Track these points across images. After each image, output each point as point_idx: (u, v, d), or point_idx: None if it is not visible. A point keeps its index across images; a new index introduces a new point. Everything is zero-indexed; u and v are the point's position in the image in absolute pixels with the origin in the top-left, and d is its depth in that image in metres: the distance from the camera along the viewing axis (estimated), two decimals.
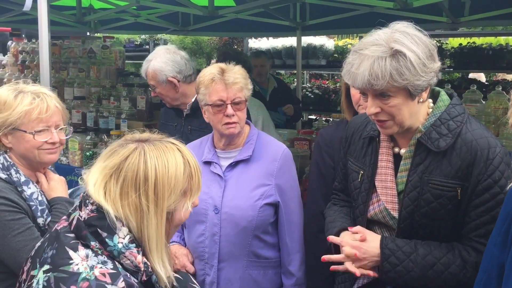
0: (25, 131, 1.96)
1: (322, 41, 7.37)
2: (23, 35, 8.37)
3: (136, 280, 1.32)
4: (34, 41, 5.69)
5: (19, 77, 5.13)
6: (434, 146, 1.76)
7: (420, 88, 1.71)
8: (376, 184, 1.91)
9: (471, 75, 7.67)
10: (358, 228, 1.90)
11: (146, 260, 1.34)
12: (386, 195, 1.87)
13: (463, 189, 1.74)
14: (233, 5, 5.36)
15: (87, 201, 1.36)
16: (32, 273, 1.34)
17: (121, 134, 4.17)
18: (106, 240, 1.30)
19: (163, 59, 2.98)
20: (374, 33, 1.74)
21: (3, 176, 1.97)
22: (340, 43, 7.97)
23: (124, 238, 1.31)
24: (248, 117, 2.44)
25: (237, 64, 2.34)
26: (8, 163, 1.99)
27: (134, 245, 1.33)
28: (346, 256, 1.85)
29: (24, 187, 1.98)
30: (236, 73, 2.26)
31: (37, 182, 2.10)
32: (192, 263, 2.33)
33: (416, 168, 1.80)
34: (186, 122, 3.08)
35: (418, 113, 1.80)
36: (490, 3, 4.73)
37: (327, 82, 8.71)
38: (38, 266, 1.33)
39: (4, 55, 6.61)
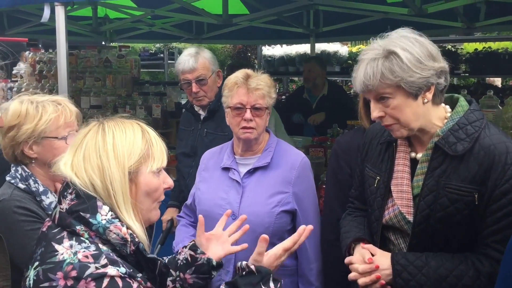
0: (56, 138, 2.01)
1: (336, 47, 7.36)
2: (40, 45, 8.50)
3: (126, 253, 1.39)
4: (51, 51, 5.78)
5: (36, 87, 5.21)
6: (452, 150, 1.75)
7: (416, 85, 1.71)
8: (391, 188, 1.90)
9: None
10: (369, 246, 1.90)
11: (131, 232, 1.40)
12: (401, 199, 1.86)
13: (480, 194, 1.72)
14: (247, 13, 5.39)
15: (65, 193, 1.42)
16: (26, 274, 1.39)
17: None
18: (90, 220, 1.36)
19: (208, 52, 3.10)
20: (375, 40, 1.79)
21: (22, 186, 1.99)
22: (354, 49, 7.96)
23: (106, 215, 1.37)
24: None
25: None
26: (27, 173, 2.01)
27: (117, 219, 1.38)
28: (361, 273, 1.85)
29: (43, 197, 2.00)
30: (261, 80, 2.28)
31: (55, 191, 2.12)
32: None
33: (433, 172, 1.79)
34: (203, 126, 3.12)
35: (428, 116, 1.80)
36: (506, 8, 4.69)
37: None
38: (29, 267, 1.38)
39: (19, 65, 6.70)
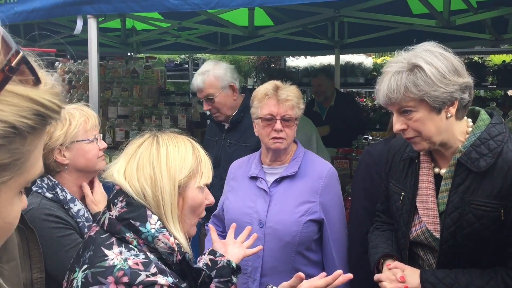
0: (88, 140, 2.08)
1: (360, 59, 7.35)
2: (68, 56, 8.69)
3: (172, 262, 1.42)
4: (79, 61, 5.90)
5: (66, 97, 5.32)
6: (474, 166, 1.73)
7: (440, 100, 1.70)
8: (417, 205, 1.88)
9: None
10: (396, 263, 1.89)
11: (178, 242, 1.43)
12: (427, 216, 1.85)
13: (506, 209, 1.70)
14: (272, 24, 5.43)
15: (115, 200, 1.45)
16: (72, 277, 1.42)
17: None
18: (140, 228, 1.39)
19: (221, 67, 3.13)
20: (400, 53, 1.79)
21: (49, 195, 2.03)
22: (379, 61, 7.92)
23: (155, 224, 1.40)
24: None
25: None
26: (53, 182, 2.06)
27: (165, 229, 1.42)
28: None
29: (71, 205, 2.05)
30: (290, 91, 2.32)
31: (82, 199, 2.17)
32: None
33: (457, 189, 1.77)
34: (226, 137, 3.17)
35: (451, 130, 1.78)
36: None
37: (364, 100, 8.65)
38: (77, 269, 1.41)
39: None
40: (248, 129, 3.00)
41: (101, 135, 2.21)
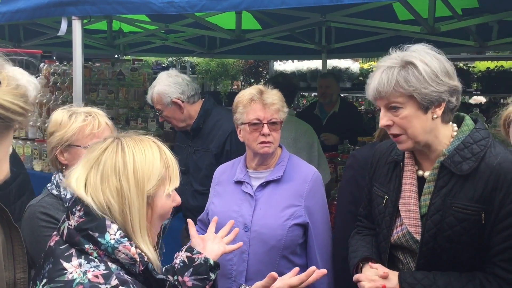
0: (80, 146, 2.08)
1: (347, 64, 7.39)
2: (54, 57, 8.60)
3: (135, 272, 1.38)
4: (65, 63, 5.85)
5: (50, 98, 5.27)
6: (457, 169, 1.75)
7: (429, 99, 1.72)
8: (399, 208, 1.90)
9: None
10: (377, 265, 1.90)
11: (140, 251, 1.38)
12: (409, 218, 1.86)
13: (487, 213, 1.72)
14: (259, 28, 5.44)
15: (74, 209, 1.40)
16: None
17: None
18: (99, 239, 1.34)
19: (166, 83, 3.13)
20: (394, 51, 1.81)
21: (55, 192, 2.11)
22: (365, 66, 7.99)
23: (115, 234, 1.35)
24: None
25: (284, 86, 2.50)
26: (61, 180, 2.12)
27: (125, 239, 1.36)
28: None
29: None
30: (274, 95, 2.33)
31: None
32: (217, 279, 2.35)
33: (439, 191, 1.79)
34: (192, 143, 3.21)
35: (436, 132, 1.80)
36: None
37: None
38: (38, 282, 1.37)
39: (36, 77, 6.78)
40: (209, 134, 3.07)
41: None
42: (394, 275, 1.83)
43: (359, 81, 7.44)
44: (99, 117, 2.13)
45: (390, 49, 1.82)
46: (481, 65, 7.64)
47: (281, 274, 2.25)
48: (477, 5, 4.28)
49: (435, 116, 1.77)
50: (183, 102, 3.11)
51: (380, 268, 1.88)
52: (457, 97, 1.79)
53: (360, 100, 10.03)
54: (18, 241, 1.87)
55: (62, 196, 2.09)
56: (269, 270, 2.23)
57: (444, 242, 1.77)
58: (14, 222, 1.95)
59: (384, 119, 1.79)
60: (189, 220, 1.95)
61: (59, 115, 2.13)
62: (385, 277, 1.83)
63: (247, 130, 2.32)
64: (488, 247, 1.75)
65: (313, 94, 9.83)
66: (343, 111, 5.23)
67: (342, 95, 9.20)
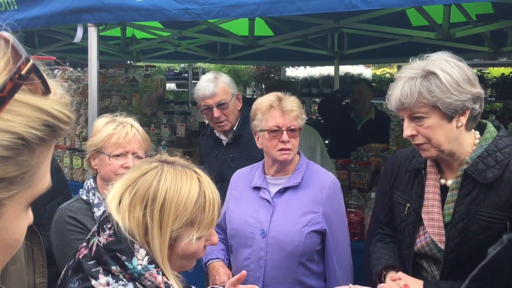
0: (104, 153, 2.13)
1: (360, 70, 7.37)
2: (67, 64, 8.68)
3: None
4: (79, 69, 5.90)
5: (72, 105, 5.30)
6: (481, 177, 1.74)
7: (453, 108, 1.71)
8: (422, 216, 1.88)
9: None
10: (400, 274, 1.88)
11: (166, 280, 1.34)
12: (432, 227, 1.84)
13: None
14: (272, 34, 5.44)
15: (105, 226, 1.37)
16: None
17: None
18: (126, 263, 1.31)
19: (226, 76, 3.12)
20: (414, 61, 1.80)
21: (85, 197, 2.17)
22: (378, 72, 7.95)
23: (143, 260, 1.31)
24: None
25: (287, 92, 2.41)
26: (91, 186, 2.19)
27: (153, 265, 1.32)
28: None
29: (95, 209, 2.13)
30: (293, 102, 2.32)
31: None
32: None
33: (463, 200, 1.77)
34: (227, 151, 3.12)
35: (460, 140, 1.78)
36: None
37: None
38: None
39: None
40: (250, 141, 2.98)
41: (139, 154, 2.16)
42: (418, 285, 1.81)
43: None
44: (128, 128, 2.14)
45: (410, 59, 1.81)
46: (495, 71, 7.58)
47: (298, 281, 2.27)
48: (492, 11, 4.25)
49: (459, 124, 1.75)
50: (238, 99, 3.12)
51: (403, 277, 1.86)
52: (480, 104, 1.77)
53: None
54: (38, 246, 1.89)
55: (91, 201, 2.14)
56: (286, 277, 2.25)
57: (468, 250, 1.75)
58: (39, 225, 1.99)
59: (408, 129, 1.78)
60: (243, 272, 1.83)
61: (99, 121, 2.21)
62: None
63: (266, 137, 2.31)
64: None
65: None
66: (379, 119, 5.23)
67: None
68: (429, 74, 1.71)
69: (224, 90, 3.04)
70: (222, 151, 3.14)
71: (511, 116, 5.30)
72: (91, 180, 2.22)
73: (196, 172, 1.42)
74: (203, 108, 3.08)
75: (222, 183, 3.02)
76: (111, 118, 2.19)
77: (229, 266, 2.46)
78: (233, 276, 2.33)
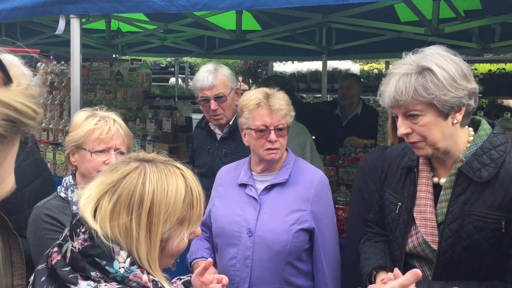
0: (85, 149, 2.05)
1: (348, 65, 7.35)
2: (51, 57, 8.53)
3: None
4: (63, 62, 5.79)
5: (47, 98, 5.20)
6: (476, 176, 1.69)
7: (449, 105, 1.66)
8: (414, 215, 1.83)
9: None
10: (390, 275, 1.81)
11: (153, 277, 1.27)
12: (425, 227, 1.80)
13: (507, 221, 1.66)
14: (259, 29, 5.39)
15: (78, 230, 1.28)
16: None
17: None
18: (107, 268, 1.23)
19: (226, 68, 3.01)
20: (408, 55, 1.74)
21: (63, 195, 2.10)
22: (366, 67, 7.95)
23: (124, 262, 1.24)
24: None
25: (280, 87, 2.35)
26: (70, 183, 2.11)
27: (135, 266, 1.25)
28: None
29: (74, 207, 2.05)
30: (281, 100, 2.25)
31: None
32: None
33: (457, 199, 1.73)
34: (220, 146, 3.02)
35: (455, 137, 1.74)
36: None
37: None
38: None
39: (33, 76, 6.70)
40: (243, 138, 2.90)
41: (122, 151, 2.10)
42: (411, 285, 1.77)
43: None
44: (111, 123, 2.08)
45: (403, 53, 1.75)
46: (481, 68, 7.61)
47: (285, 280, 2.22)
48: (480, 7, 4.25)
49: (455, 121, 1.70)
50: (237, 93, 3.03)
51: (393, 278, 1.81)
52: (475, 99, 1.73)
53: None
54: (17, 248, 1.83)
55: (69, 199, 2.07)
56: (273, 277, 2.21)
57: (462, 251, 1.71)
58: (19, 212, 1.94)
59: (402, 127, 1.72)
60: (209, 260, 1.75)
61: (79, 115, 2.14)
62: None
63: (253, 136, 2.25)
64: (508, 256, 1.69)
65: (313, 95, 9.77)
66: (365, 115, 5.15)
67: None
68: (424, 70, 1.65)
69: (223, 83, 2.93)
70: (215, 145, 3.04)
71: (498, 112, 5.32)
72: (70, 176, 2.14)
73: (178, 168, 1.35)
74: (200, 99, 2.98)
75: (211, 178, 2.91)
76: (91, 113, 2.12)
77: (215, 265, 2.40)
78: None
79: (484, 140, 1.74)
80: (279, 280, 2.21)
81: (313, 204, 2.24)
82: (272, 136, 2.20)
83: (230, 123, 2.98)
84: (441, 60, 1.66)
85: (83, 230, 1.27)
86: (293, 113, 2.30)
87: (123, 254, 1.24)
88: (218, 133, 3.05)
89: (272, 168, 2.31)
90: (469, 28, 4.18)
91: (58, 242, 1.36)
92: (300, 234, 2.21)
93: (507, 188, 1.66)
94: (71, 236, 1.30)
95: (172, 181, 1.29)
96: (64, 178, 2.16)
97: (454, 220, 1.72)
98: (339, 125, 5.13)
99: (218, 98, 2.92)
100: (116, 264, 1.23)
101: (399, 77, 1.68)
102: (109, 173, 1.31)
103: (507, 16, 3.94)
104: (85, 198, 1.29)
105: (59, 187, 2.14)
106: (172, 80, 9.98)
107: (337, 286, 2.29)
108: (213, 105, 2.91)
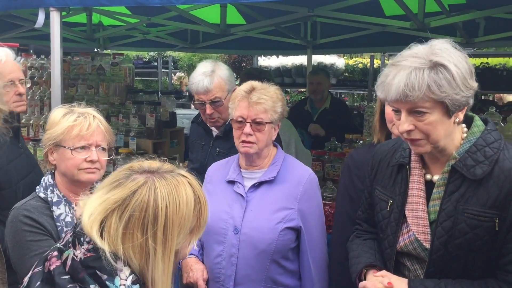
0: (65, 147, 1.99)
1: (333, 59, 7.34)
2: (31, 51, 8.36)
3: None
4: (43, 57, 5.66)
5: (27, 93, 5.08)
6: (470, 173, 1.66)
7: (458, 105, 1.61)
8: (406, 213, 1.80)
9: None
10: (383, 272, 1.81)
11: None
12: (417, 225, 1.77)
13: (501, 219, 1.64)
14: (243, 23, 5.33)
15: (82, 238, 1.24)
16: None
17: (130, 152, 4.10)
18: (107, 283, 1.19)
19: (225, 68, 2.85)
20: (413, 47, 1.66)
21: (42, 195, 2.02)
22: (351, 62, 7.95)
23: (126, 280, 1.20)
24: (277, 140, 2.37)
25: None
26: (49, 182, 2.04)
27: (137, 286, 1.21)
28: None
29: (54, 208, 2.00)
30: (264, 94, 2.20)
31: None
32: (207, 283, 2.27)
33: (450, 196, 1.70)
34: (215, 144, 2.93)
35: (453, 135, 1.71)
36: (504, 24, 4.68)
37: None
38: None
39: None
40: None
41: (102, 147, 2.04)
42: (403, 283, 1.74)
43: (344, 77, 7.40)
44: (91, 119, 2.02)
45: (414, 43, 1.66)
46: None
47: (271, 279, 2.19)
48: (464, 1, 4.25)
49: (457, 120, 1.67)
50: None
51: (386, 275, 1.79)
52: (473, 97, 1.69)
53: (344, 96, 10.00)
54: None
55: (49, 199, 2.00)
56: (258, 275, 2.18)
57: (455, 249, 1.68)
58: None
59: (406, 124, 1.64)
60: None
61: (55, 112, 2.07)
62: (390, 286, 1.74)
63: (234, 127, 2.26)
64: (501, 254, 1.67)
65: (297, 90, 9.77)
66: (334, 107, 5.25)
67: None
68: (437, 66, 1.57)
69: (220, 86, 2.78)
70: (210, 143, 2.96)
71: (481, 107, 5.34)
72: (49, 176, 2.07)
73: (184, 176, 1.32)
74: (196, 102, 2.87)
75: (203, 175, 2.84)
76: (69, 109, 2.05)
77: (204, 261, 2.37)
78: (206, 271, 2.26)
79: (478, 136, 1.71)
80: (265, 279, 2.18)
81: (300, 203, 2.21)
82: (247, 129, 2.17)
83: (227, 122, 2.87)
84: (456, 57, 1.59)
85: (87, 239, 1.23)
86: (280, 109, 2.25)
87: (126, 271, 1.20)
88: (214, 131, 2.97)
89: (256, 164, 2.28)
90: (454, 22, 4.18)
91: (58, 246, 1.31)
92: (286, 233, 2.18)
93: (502, 186, 1.63)
94: (74, 244, 1.25)
95: (182, 192, 1.28)
96: (43, 177, 2.09)
97: (448, 218, 1.69)
98: (310, 120, 5.20)
99: (214, 102, 2.79)
100: (117, 281, 1.19)
101: (410, 71, 1.58)
102: (113, 189, 1.25)
103: (492, 10, 3.95)
104: (88, 216, 1.23)
105: (37, 187, 2.07)
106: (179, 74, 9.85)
107: (325, 285, 2.27)
108: (209, 109, 2.80)
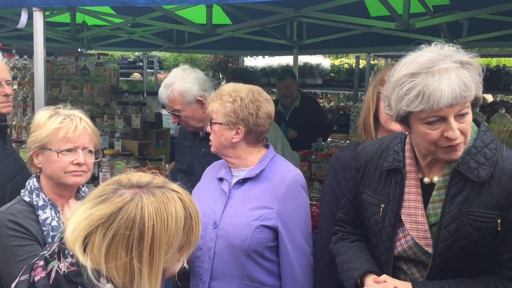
0: (51, 150, 1.96)
1: (319, 60, 7.36)
2: (14, 51, 8.24)
3: None
4: (25, 57, 5.58)
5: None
6: (474, 176, 1.65)
7: (479, 101, 1.63)
8: (402, 218, 1.77)
9: None
10: (384, 277, 1.77)
11: None
12: (417, 231, 1.74)
13: (503, 219, 1.63)
14: (229, 23, 5.32)
15: (66, 251, 1.21)
16: None
17: (115, 153, 4.06)
18: None
19: (188, 79, 2.83)
20: (423, 51, 1.61)
21: (27, 199, 1.98)
22: (336, 62, 7.97)
23: None
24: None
25: (245, 83, 2.34)
26: (35, 186, 2.01)
27: None
28: None
29: (40, 212, 1.96)
30: (224, 93, 2.27)
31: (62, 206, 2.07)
32: (188, 277, 2.30)
33: (453, 199, 1.68)
34: (200, 145, 2.93)
35: None
36: (488, 25, 4.74)
37: (321, 101, 8.69)
38: None
39: None
40: None
41: (89, 149, 2.02)
42: (407, 286, 1.73)
43: (330, 78, 7.42)
44: (77, 121, 1.99)
45: (424, 45, 1.63)
46: None
47: (248, 276, 2.18)
48: (448, 2, 4.29)
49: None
50: (205, 99, 2.80)
51: (388, 280, 1.76)
52: None
53: (329, 96, 10.04)
54: None
55: (34, 203, 1.97)
56: (234, 271, 2.19)
57: (458, 251, 1.67)
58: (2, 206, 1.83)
59: (457, 130, 1.57)
60: None
61: (40, 114, 2.03)
62: None
63: None
64: (502, 252, 1.67)
65: None
66: (304, 105, 5.37)
67: (312, 91, 9.24)
68: (465, 64, 1.55)
69: (175, 100, 2.81)
70: (196, 143, 2.97)
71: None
72: (34, 179, 2.03)
73: (175, 191, 1.26)
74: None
75: (190, 176, 2.89)
76: (54, 111, 2.02)
77: None
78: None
79: (475, 138, 1.69)
80: (241, 275, 2.18)
81: (281, 203, 2.18)
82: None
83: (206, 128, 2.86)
84: (467, 56, 1.59)
85: (71, 253, 1.19)
86: (227, 110, 2.22)
87: (109, 287, 1.16)
88: (200, 132, 2.97)
89: (231, 162, 2.32)
90: (438, 23, 4.22)
91: (44, 255, 1.28)
92: (262, 231, 2.16)
93: (503, 187, 1.63)
94: (59, 256, 1.22)
95: (172, 209, 1.21)
96: (28, 181, 2.05)
97: (452, 221, 1.67)
98: (283, 119, 5.28)
99: (174, 114, 2.86)
100: None
101: (455, 73, 1.52)
102: (99, 203, 1.20)
103: (476, 11, 3.99)
104: (71, 232, 1.18)
105: (22, 190, 2.03)
106: (137, 75, 9.77)
107: (308, 286, 2.24)
108: (172, 118, 2.90)
